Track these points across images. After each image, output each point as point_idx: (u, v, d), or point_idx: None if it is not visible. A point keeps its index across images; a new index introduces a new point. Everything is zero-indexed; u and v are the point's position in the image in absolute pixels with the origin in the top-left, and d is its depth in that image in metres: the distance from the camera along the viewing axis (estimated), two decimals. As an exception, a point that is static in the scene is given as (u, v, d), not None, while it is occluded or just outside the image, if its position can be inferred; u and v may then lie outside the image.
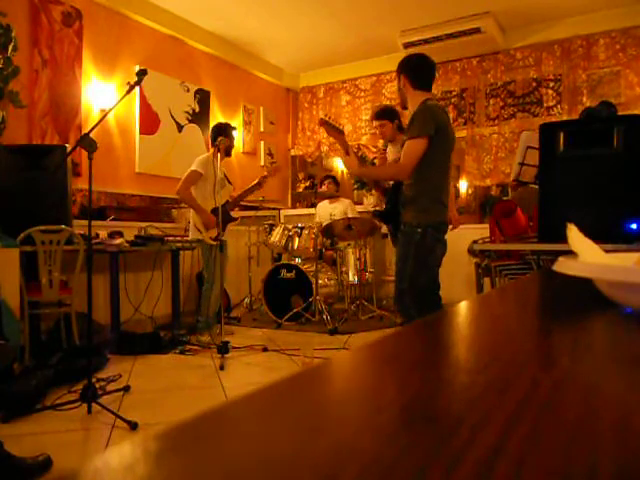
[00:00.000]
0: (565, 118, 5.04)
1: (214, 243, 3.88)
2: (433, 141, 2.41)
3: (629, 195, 1.94)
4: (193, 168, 3.87)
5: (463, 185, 6.30)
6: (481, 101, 5.63)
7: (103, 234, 3.84)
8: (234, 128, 4.18)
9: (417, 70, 2.56)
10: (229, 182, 4.11)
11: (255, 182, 4.13)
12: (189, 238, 4.08)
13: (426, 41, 5.27)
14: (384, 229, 4.98)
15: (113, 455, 0.18)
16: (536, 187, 3.66)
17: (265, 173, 4.16)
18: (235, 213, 5.52)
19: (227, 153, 3.97)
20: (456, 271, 4.76)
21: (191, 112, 5.32)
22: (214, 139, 3.90)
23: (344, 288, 4.92)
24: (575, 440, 0.20)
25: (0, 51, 3.37)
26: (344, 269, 4.86)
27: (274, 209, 6.11)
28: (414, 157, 2.40)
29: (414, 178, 2.44)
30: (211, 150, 3.97)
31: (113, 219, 4.33)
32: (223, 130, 3.96)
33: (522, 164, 3.15)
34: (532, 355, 0.35)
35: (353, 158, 2.63)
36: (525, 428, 0.20)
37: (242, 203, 5.60)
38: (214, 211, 3.83)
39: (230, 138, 3.95)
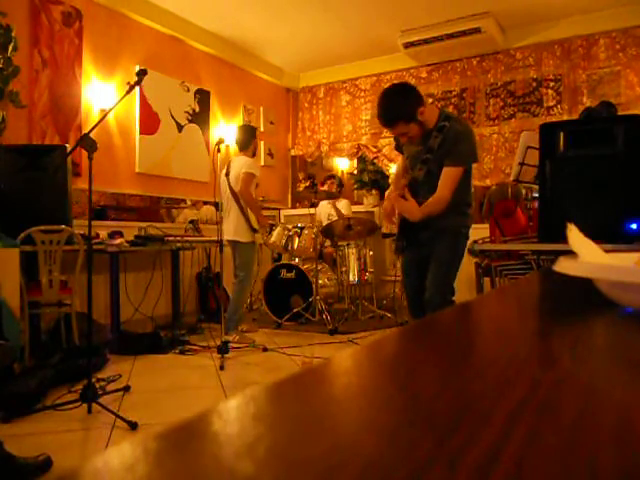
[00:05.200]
0: (565, 118, 5.04)
1: (262, 242, 4.23)
2: None
3: (629, 195, 1.94)
4: (250, 171, 3.90)
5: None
6: (481, 101, 5.63)
7: (103, 234, 3.84)
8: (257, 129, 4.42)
9: (418, 93, 2.41)
10: None
11: None
12: (237, 239, 3.95)
13: (426, 41, 5.26)
14: (384, 229, 4.98)
15: (113, 455, 0.18)
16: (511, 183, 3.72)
17: None
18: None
19: (253, 154, 4.18)
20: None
21: (191, 112, 5.31)
22: (249, 142, 4.06)
23: (344, 288, 4.92)
24: (575, 440, 0.20)
25: (0, 51, 3.37)
26: (344, 269, 4.86)
27: (274, 209, 6.11)
28: (455, 185, 2.35)
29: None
30: (243, 153, 4.07)
31: (113, 219, 4.33)
32: (254, 133, 4.15)
33: (522, 164, 3.15)
34: (532, 355, 0.35)
35: (413, 202, 2.27)
36: (525, 428, 0.20)
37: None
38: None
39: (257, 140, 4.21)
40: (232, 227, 3.94)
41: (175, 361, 3.40)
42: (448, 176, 2.34)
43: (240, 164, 3.95)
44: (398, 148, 2.71)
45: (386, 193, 2.76)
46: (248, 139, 4.07)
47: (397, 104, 2.30)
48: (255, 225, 3.97)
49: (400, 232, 2.55)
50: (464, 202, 2.49)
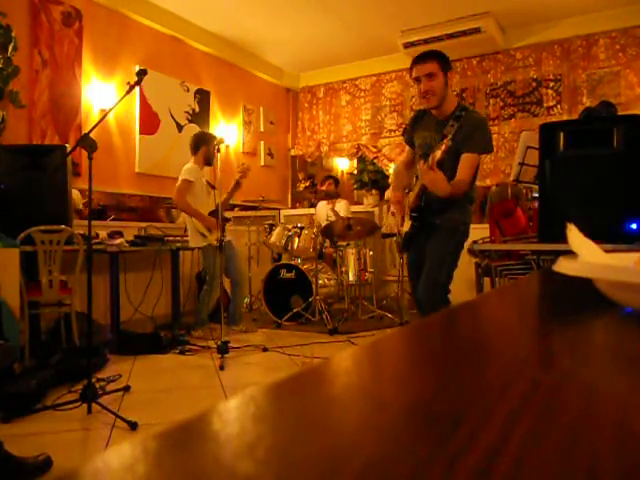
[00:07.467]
0: (565, 118, 5.04)
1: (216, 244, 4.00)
2: None
3: (629, 195, 1.93)
4: (183, 177, 3.93)
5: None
6: (481, 101, 5.63)
7: (103, 234, 3.84)
8: (215, 137, 4.06)
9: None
10: (213, 188, 4.12)
11: (233, 185, 4.11)
12: (191, 245, 4.11)
13: (426, 41, 5.26)
14: (384, 229, 4.98)
15: (113, 455, 0.18)
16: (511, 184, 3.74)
17: (239, 175, 4.08)
18: (235, 213, 5.54)
19: (208, 163, 4.06)
20: (456, 271, 4.74)
21: (191, 112, 5.31)
22: (196, 148, 4.01)
23: (344, 288, 4.92)
24: (575, 440, 0.20)
25: (0, 51, 3.37)
26: (344, 269, 4.86)
27: (274, 209, 6.11)
28: (473, 171, 2.41)
29: None
30: (192, 159, 4.04)
31: (113, 219, 4.33)
32: (204, 140, 4.03)
33: (522, 164, 3.15)
34: (532, 355, 0.35)
35: (443, 175, 2.25)
36: (525, 428, 0.20)
37: (242, 203, 5.63)
38: (212, 214, 3.94)
39: (211, 147, 3.94)
40: (189, 235, 4.05)
41: (175, 361, 3.40)
42: (467, 162, 2.39)
43: (181, 172, 3.98)
44: (407, 137, 2.74)
45: (386, 193, 2.78)
46: (196, 144, 4.04)
47: (438, 52, 2.51)
48: (202, 230, 3.94)
49: (407, 230, 2.60)
50: (467, 196, 2.51)
